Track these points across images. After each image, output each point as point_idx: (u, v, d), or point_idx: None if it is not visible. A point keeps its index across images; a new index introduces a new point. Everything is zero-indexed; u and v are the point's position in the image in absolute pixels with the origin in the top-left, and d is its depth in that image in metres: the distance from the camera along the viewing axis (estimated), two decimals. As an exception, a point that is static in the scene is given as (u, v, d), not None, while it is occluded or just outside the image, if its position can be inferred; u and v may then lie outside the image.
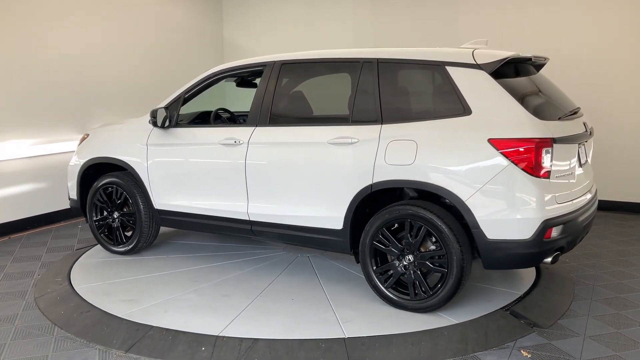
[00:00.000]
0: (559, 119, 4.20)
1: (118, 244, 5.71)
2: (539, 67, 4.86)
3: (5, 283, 5.05)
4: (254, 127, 4.91)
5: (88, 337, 3.97)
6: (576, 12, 7.39)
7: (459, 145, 4.06)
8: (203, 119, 5.82)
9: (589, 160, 4.76)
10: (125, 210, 5.67)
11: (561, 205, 4.05)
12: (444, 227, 4.06)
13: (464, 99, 4.10)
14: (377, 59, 4.52)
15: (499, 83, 4.09)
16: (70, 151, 7.26)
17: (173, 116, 5.31)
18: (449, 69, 4.22)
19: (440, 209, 4.17)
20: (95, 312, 4.36)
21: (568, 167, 4.18)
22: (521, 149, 3.87)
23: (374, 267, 4.40)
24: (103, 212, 5.75)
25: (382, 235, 4.33)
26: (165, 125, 5.29)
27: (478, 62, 4.18)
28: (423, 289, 4.22)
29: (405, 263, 4.26)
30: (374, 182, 4.33)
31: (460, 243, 4.06)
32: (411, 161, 4.17)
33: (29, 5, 6.66)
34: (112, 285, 4.94)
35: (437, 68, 4.28)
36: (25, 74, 6.67)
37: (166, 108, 5.31)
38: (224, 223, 5.15)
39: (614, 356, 3.67)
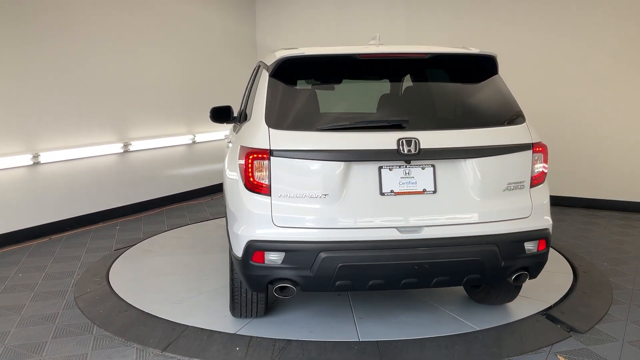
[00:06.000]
0: (319, 129, 3.52)
1: None
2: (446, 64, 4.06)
3: (47, 283, 5.20)
4: (239, 125, 5.20)
5: (126, 336, 4.06)
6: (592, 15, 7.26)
7: (234, 151, 3.98)
8: None
9: (465, 188, 3.58)
10: None
11: (286, 229, 3.45)
12: None
13: (250, 103, 3.87)
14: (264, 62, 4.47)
15: (273, 86, 3.73)
16: (110, 154, 7.44)
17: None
18: (262, 71, 4.06)
19: None
20: (132, 312, 4.45)
21: (318, 187, 3.46)
22: (242, 160, 3.61)
23: None
24: None
25: None
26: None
27: (267, 63, 3.90)
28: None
29: None
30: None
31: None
32: (223, 163, 4.24)
33: (69, 13, 6.84)
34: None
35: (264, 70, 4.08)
36: (65, 80, 6.84)
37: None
38: None
39: (654, 362, 3.59)
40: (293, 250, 3.44)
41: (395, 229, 3.48)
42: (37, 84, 6.54)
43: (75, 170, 7.03)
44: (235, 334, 4.01)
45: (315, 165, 3.47)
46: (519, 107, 3.85)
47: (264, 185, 3.48)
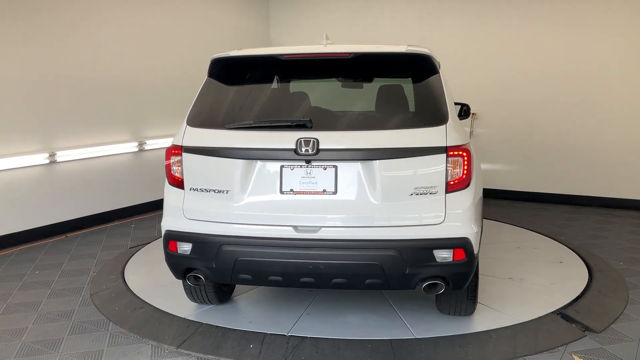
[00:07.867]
0: (227, 127, 3.67)
1: None
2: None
3: (63, 280, 5.25)
4: None
5: (141, 333, 4.10)
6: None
7: None
8: None
9: (367, 191, 3.49)
10: None
11: (194, 221, 3.66)
12: None
13: None
14: None
15: (205, 86, 3.97)
16: (125, 152, 7.48)
17: None
18: None
19: None
20: (147, 309, 4.49)
21: (222, 183, 3.61)
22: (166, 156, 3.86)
23: None
24: None
25: None
26: None
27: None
28: None
29: None
30: None
31: None
32: None
33: (85, 12, 6.90)
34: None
35: None
36: (79, 77, 6.90)
37: None
38: None
39: (670, 363, 3.55)
40: (198, 242, 3.64)
41: (291, 228, 3.53)
42: (53, 84, 6.60)
43: (91, 168, 7.09)
44: (249, 331, 4.05)
45: (220, 162, 3.62)
46: (445, 109, 3.61)
47: (179, 179, 3.74)
